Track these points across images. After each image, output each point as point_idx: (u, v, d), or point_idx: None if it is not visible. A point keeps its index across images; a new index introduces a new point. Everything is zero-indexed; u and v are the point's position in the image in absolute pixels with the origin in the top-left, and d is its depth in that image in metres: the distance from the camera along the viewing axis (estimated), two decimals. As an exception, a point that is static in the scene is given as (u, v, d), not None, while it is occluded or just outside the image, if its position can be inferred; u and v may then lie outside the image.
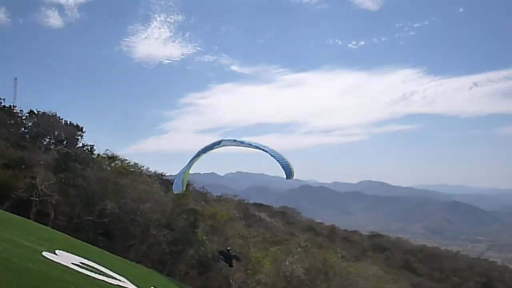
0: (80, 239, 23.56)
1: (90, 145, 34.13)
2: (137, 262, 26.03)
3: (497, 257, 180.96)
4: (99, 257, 18.26)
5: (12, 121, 33.95)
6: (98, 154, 33.55)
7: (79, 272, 12.87)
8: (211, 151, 23.77)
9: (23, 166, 27.61)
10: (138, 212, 28.44)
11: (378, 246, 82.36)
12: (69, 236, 23.24)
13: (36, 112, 34.30)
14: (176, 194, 31.47)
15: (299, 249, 31.19)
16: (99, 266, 15.28)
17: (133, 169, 34.43)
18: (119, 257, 24.12)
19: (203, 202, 38.14)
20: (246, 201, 71.95)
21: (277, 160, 20.92)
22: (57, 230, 24.02)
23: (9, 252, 11.31)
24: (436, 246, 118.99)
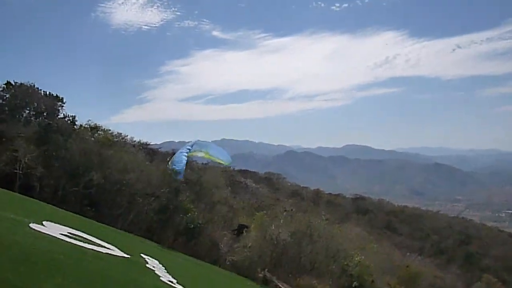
0: (67, 210, 23.64)
1: (72, 116, 33.56)
2: (125, 231, 26.34)
3: (474, 215, 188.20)
4: (87, 227, 18.42)
5: (-11, 94, 33.02)
6: (80, 125, 33.12)
7: (68, 242, 12.98)
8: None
9: (4, 139, 27.20)
10: (124, 182, 28.51)
11: (361, 209, 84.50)
12: (56, 208, 23.28)
13: (13, 84, 33.35)
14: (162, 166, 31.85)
15: (284, 214, 31.86)
16: (87, 235, 15.42)
17: (116, 139, 34.23)
18: (107, 226, 24.36)
19: (188, 170, 38.25)
20: (231, 168, 72.41)
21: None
22: (44, 202, 23.99)
23: (-4, 226, 11.32)
24: (417, 207, 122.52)
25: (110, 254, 14.10)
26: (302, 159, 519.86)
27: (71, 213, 23.30)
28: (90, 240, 14.81)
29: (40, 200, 24.45)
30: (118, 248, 15.55)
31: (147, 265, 15.47)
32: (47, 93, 35.46)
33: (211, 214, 30.74)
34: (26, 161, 25.65)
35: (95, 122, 34.26)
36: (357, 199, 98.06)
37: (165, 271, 15.50)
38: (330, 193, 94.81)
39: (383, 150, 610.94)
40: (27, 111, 33.41)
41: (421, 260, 53.11)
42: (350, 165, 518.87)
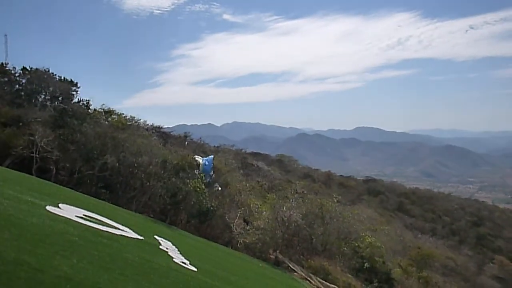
0: (82, 193, 24.07)
1: (86, 100, 33.96)
2: (139, 213, 26.79)
3: (487, 197, 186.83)
4: (101, 209, 18.71)
5: (6, 79, 33.50)
6: (95, 109, 33.51)
7: (83, 224, 13.17)
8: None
9: (21, 124, 27.68)
10: (137, 165, 28.87)
11: (372, 190, 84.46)
12: (71, 190, 23.70)
13: (29, 69, 33.78)
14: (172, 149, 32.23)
15: (296, 196, 32.08)
16: (102, 217, 15.61)
17: (130, 123, 34.59)
18: (121, 209, 24.76)
19: (201, 154, 38.60)
20: (243, 151, 72.69)
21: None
22: (59, 185, 24.45)
23: (14, 209, 11.50)
24: (429, 189, 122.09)
25: (124, 235, 14.26)
26: (314, 141, 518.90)
27: (86, 195, 23.69)
28: (105, 222, 14.99)
29: (56, 183, 24.90)
30: (132, 230, 15.77)
31: (160, 246, 15.71)
32: (62, 78, 35.90)
33: (223, 197, 31.06)
34: (43, 145, 26.07)
35: (108, 106, 34.64)
36: (369, 181, 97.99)
37: (178, 252, 15.75)
38: (341, 175, 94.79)
39: (395, 132, 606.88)
40: (42, 96, 33.89)
41: (433, 242, 53.28)
42: (361, 147, 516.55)
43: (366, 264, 28.91)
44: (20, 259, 7.35)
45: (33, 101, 32.65)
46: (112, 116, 33.69)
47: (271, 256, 27.44)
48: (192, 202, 27.64)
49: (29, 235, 9.34)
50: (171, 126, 76.22)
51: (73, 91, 35.01)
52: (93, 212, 16.04)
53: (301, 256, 28.23)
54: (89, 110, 32.84)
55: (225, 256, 23.85)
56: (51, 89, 33.92)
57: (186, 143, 48.29)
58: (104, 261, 9.66)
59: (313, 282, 24.54)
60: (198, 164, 30.30)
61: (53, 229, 10.85)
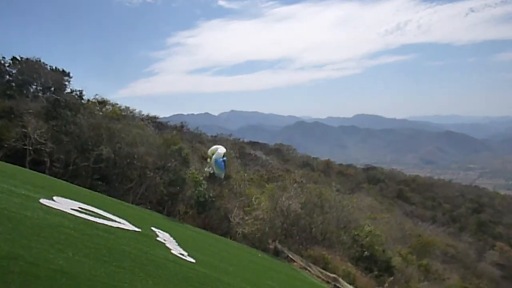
0: (78, 185, 23.73)
1: (79, 91, 33.39)
2: (136, 204, 26.49)
3: (488, 184, 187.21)
4: (97, 202, 18.41)
5: (-4, 70, 32.91)
6: (88, 100, 32.99)
7: (79, 217, 12.93)
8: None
9: (13, 116, 27.19)
10: (135, 156, 28.52)
11: (372, 178, 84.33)
12: (66, 182, 23.34)
13: (19, 59, 33.15)
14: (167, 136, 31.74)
15: (295, 185, 31.77)
16: (98, 210, 15.34)
17: (125, 113, 34.12)
18: (118, 200, 24.46)
19: (198, 143, 38.23)
20: (241, 140, 72.35)
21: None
22: (54, 177, 24.09)
23: (7, 202, 11.24)
24: (429, 176, 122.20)
25: (120, 228, 14.05)
26: (312, 129, 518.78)
27: (81, 187, 23.38)
28: (101, 214, 14.76)
29: (50, 175, 24.55)
30: (129, 222, 15.50)
31: (157, 238, 15.43)
32: (54, 67, 35.29)
33: (221, 186, 30.73)
34: (36, 137, 25.65)
35: (102, 97, 34.11)
36: (368, 169, 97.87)
37: (176, 243, 15.47)
38: (341, 164, 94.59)
39: (394, 119, 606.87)
40: (34, 87, 33.33)
41: (433, 229, 53.25)
42: (360, 134, 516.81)
43: (366, 253, 28.73)
44: (15, 253, 7.12)
45: (25, 92, 32.09)
46: (106, 106, 33.21)
47: (270, 246, 27.22)
48: (190, 192, 27.33)
49: (23, 228, 9.10)
50: (167, 116, 75.67)
51: (65, 81, 34.45)
52: (88, 204, 15.74)
53: (301, 246, 28.00)
54: (82, 101, 32.33)
55: (224, 246, 23.58)
56: (42, 79, 33.34)
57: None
58: (100, 253, 9.46)
59: (312, 272, 24.37)
60: (213, 154, 27.92)
61: (48, 222, 10.61)
